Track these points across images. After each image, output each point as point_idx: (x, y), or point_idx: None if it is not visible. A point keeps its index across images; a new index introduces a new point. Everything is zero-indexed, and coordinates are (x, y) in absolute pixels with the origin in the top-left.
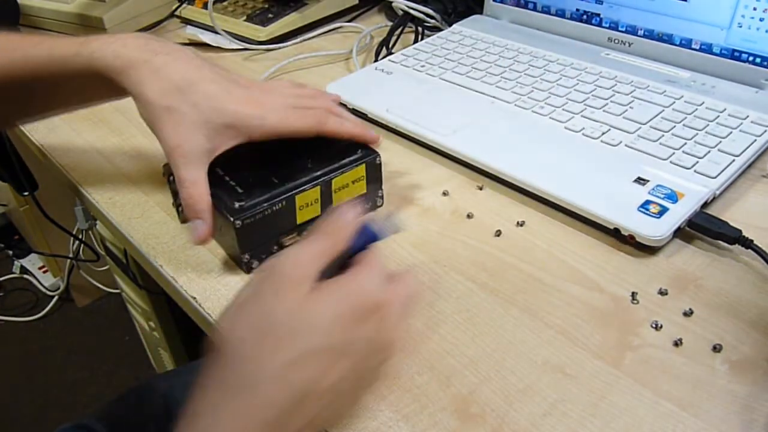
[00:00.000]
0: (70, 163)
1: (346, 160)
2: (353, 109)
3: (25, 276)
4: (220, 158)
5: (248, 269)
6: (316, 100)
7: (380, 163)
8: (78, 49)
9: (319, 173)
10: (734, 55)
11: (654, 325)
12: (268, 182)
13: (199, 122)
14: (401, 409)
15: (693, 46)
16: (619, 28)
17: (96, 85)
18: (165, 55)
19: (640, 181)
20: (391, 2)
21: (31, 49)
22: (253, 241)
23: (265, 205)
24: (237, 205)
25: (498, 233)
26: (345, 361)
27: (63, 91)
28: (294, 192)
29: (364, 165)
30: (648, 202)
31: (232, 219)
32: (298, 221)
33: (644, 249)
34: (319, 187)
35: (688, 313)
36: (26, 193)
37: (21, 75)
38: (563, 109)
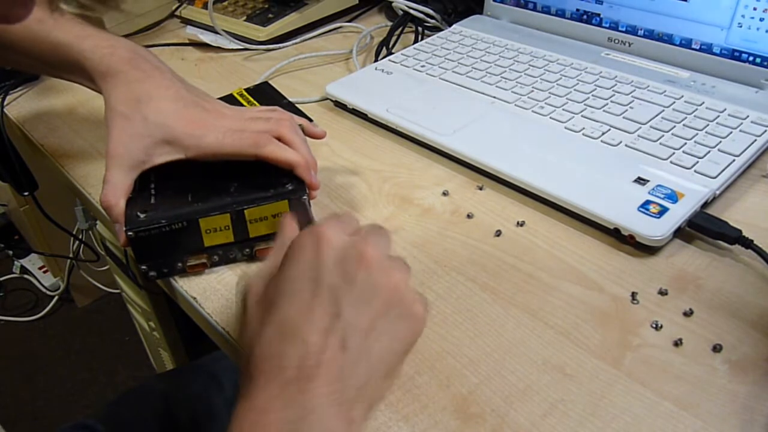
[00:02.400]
0: (70, 163)
1: (267, 193)
2: (353, 109)
3: (25, 276)
4: (162, 167)
5: (145, 279)
6: (267, 123)
7: (306, 202)
8: (72, 40)
9: (231, 201)
10: (734, 55)
11: (654, 325)
12: (183, 200)
13: (142, 134)
14: (401, 409)
15: (693, 46)
16: (619, 28)
17: (79, 74)
18: (142, 72)
19: (640, 181)
20: (391, 2)
21: (34, 26)
22: (151, 254)
23: (164, 221)
24: (142, 216)
25: (498, 233)
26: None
27: (48, 65)
28: (199, 215)
29: (286, 201)
30: (648, 202)
31: (125, 228)
32: (206, 244)
33: (644, 249)
34: (228, 215)
35: (688, 313)
36: (26, 193)
37: (12, 40)
38: (563, 109)
